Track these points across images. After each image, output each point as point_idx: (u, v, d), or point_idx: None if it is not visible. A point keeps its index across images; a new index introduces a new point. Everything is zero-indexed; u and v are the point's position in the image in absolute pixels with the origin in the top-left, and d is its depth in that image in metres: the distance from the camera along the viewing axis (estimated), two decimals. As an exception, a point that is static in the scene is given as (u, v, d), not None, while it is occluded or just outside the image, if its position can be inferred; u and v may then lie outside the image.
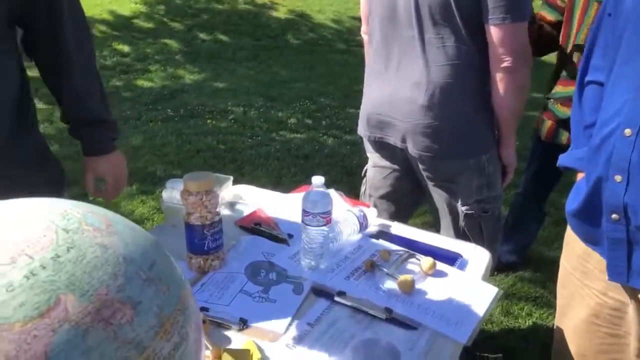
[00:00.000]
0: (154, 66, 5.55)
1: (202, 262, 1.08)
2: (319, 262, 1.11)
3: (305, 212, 1.07)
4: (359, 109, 1.63)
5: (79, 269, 0.40)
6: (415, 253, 1.14)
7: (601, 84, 0.98)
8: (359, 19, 1.63)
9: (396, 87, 1.46)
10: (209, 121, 4.35)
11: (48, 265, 0.39)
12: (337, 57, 6.61)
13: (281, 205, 1.38)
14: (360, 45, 1.66)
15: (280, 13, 7.97)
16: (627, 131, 0.83)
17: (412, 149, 1.47)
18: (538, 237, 2.54)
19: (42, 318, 0.36)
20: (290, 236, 1.22)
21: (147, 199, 3.04)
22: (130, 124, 4.12)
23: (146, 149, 3.71)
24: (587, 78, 1.04)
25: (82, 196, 3.20)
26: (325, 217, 1.07)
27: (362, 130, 1.63)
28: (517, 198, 2.35)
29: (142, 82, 5.13)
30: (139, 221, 2.78)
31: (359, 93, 1.61)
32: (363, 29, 1.64)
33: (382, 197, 1.68)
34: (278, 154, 3.81)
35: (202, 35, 6.77)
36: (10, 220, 0.43)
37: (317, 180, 1.07)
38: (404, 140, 1.49)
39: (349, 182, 3.19)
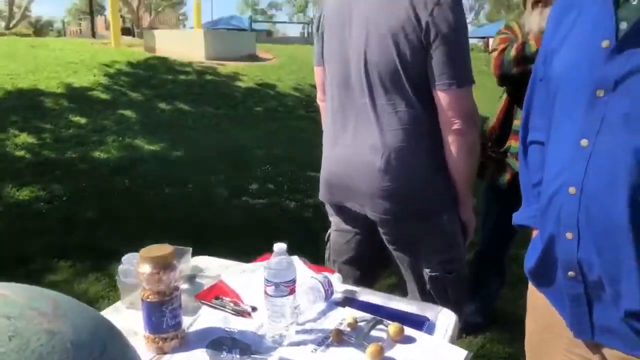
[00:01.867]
0: (111, 137, 5.51)
1: (160, 341, 1.02)
2: (285, 335, 1.06)
3: (267, 282, 1.03)
4: (320, 172, 1.64)
5: (23, 359, 0.37)
6: (383, 319, 1.12)
7: (542, 143, 1.03)
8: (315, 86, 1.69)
9: (354, 151, 1.49)
10: (167, 191, 4.29)
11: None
12: (297, 123, 6.77)
13: (244, 276, 1.34)
14: (319, 111, 1.71)
15: (241, 82, 8.18)
16: (571, 189, 0.86)
17: (372, 213, 1.48)
18: (503, 295, 2.55)
19: None
20: (254, 309, 1.18)
21: (102, 276, 2.89)
22: (86, 196, 4.01)
23: (104, 223, 3.59)
24: (529, 138, 1.09)
25: (39, 271, 2.99)
26: (289, 287, 1.04)
27: (322, 194, 1.63)
28: (476, 255, 2.37)
29: (99, 154, 5.05)
30: (94, 300, 2.63)
31: (319, 158, 1.63)
32: (319, 96, 1.69)
33: (346, 262, 1.66)
34: (239, 220, 3.76)
35: (162, 105, 6.81)
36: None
37: (279, 247, 1.04)
38: (363, 204, 1.50)
39: (314, 246, 3.14)
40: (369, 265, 1.67)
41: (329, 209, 1.67)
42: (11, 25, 21.40)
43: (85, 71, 7.44)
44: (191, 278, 1.33)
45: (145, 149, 5.35)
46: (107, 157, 4.99)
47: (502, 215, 2.20)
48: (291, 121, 6.87)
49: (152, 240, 1.09)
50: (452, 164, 1.43)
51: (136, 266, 1.03)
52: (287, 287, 1.03)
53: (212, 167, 4.90)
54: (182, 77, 7.93)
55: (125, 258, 1.25)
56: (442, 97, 1.36)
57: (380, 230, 1.51)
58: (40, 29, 29.75)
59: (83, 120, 5.87)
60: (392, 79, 1.39)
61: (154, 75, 7.79)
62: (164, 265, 1.00)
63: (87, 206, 3.85)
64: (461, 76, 1.35)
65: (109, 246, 3.25)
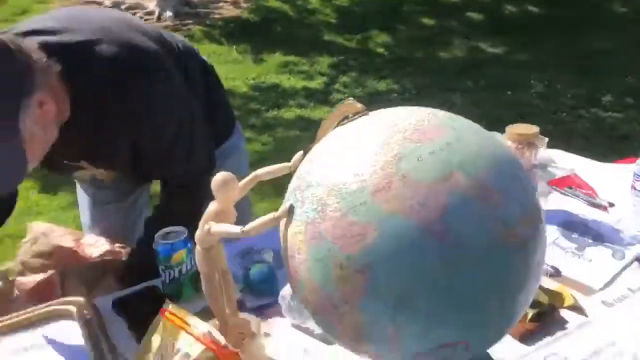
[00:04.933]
0: (457, 39, 5.65)
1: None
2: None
3: (637, 177, 0.98)
4: None
5: (465, 156, 0.53)
6: None
7: None
8: None
9: None
10: (509, 93, 4.24)
11: (444, 149, 0.53)
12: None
13: (599, 173, 1.29)
14: None
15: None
16: None
17: None
18: None
19: (443, 182, 0.50)
20: (611, 204, 1.14)
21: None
22: (433, 92, 4.34)
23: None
24: None
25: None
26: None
27: None
28: None
29: (444, 54, 5.30)
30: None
31: None
32: None
33: None
34: (586, 132, 3.46)
35: (509, 7, 6.51)
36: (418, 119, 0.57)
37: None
38: None
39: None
40: None
41: None
42: None
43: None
44: (543, 166, 1.36)
45: (489, 51, 5.32)
46: (452, 57, 5.21)
47: None
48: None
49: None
50: None
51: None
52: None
53: (557, 73, 4.54)
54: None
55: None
56: None
57: None
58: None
59: (432, 22, 6.18)
60: None
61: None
62: (528, 142, 1.07)
63: (428, 103, 4.19)
64: None
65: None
